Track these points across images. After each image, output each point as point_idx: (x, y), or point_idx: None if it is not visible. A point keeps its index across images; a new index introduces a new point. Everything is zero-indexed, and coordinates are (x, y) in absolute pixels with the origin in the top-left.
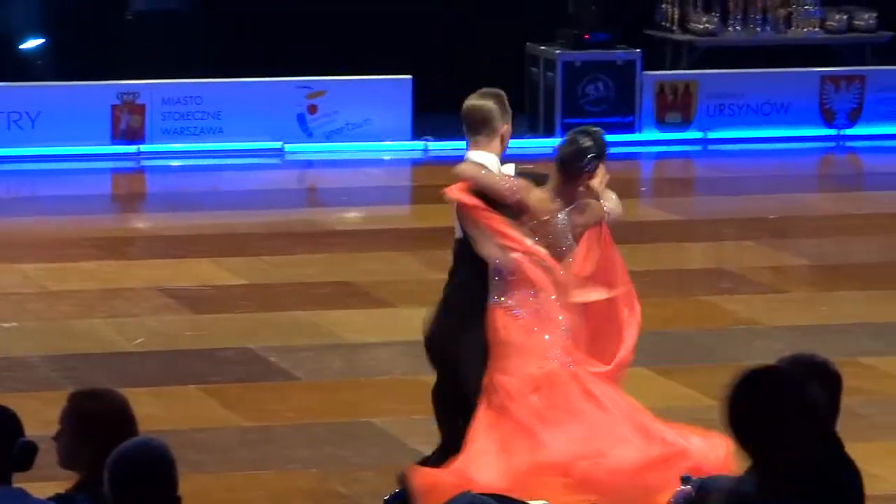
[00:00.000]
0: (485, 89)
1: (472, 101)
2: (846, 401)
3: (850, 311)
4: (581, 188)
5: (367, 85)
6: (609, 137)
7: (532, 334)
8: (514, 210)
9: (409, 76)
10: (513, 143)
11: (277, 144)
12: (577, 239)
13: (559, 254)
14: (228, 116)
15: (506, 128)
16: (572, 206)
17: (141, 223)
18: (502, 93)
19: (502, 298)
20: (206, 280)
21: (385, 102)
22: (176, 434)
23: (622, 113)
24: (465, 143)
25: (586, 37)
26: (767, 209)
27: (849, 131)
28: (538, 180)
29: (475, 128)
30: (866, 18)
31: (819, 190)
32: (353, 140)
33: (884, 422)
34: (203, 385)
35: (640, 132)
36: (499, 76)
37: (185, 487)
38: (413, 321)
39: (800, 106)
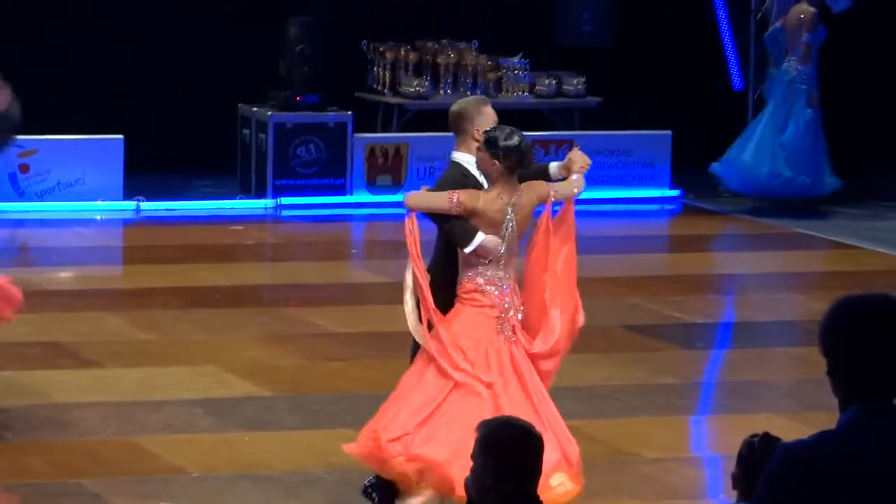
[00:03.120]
0: (472, 96)
1: (454, 106)
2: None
3: (557, 374)
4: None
5: (79, 144)
6: (320, 199)
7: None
8: (467, 217)
9: (120, 136)
10: (223, 204)
11: None
12: (525, 217)
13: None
14: None
15: (479, 130)
16: (517, 195)
17: None
18: (485, 98)
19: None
20: None
21: (97, 162)
22: None
23: (334, 175)
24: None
25: (298, 98)
26: None
27: None
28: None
29: (454, 130)
30: (575, 84)
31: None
32: (65, 199)
33: (587, 486)
34: None
35: (351, 194)
36: (211, 137)
37: None
38: (121, 381)
39: None
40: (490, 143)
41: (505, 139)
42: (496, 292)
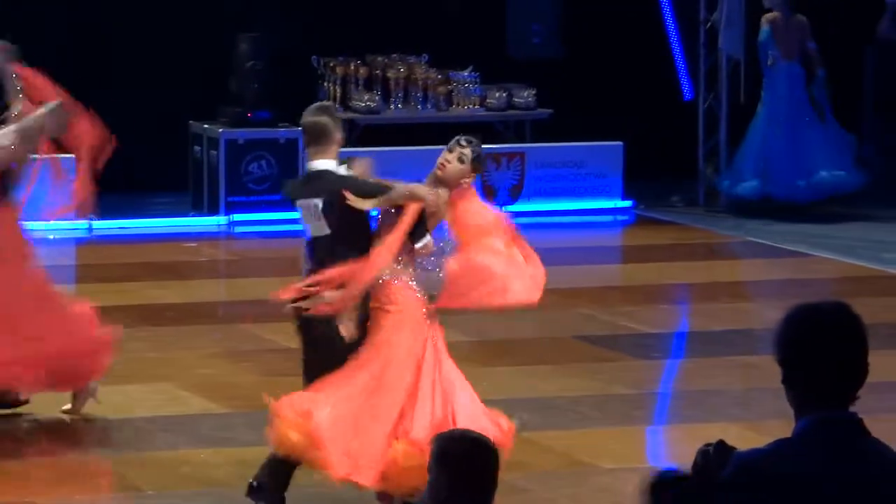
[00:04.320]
0: (317, 104)
1: (310, 117)
2: (506, 477)
3: (510, 386)
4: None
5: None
6: (273, 216)
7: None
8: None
9: (70, 155)
10: (176, 221)
11: None
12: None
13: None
14: None
15: (340, 136)
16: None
17: None
18: (332, 105)
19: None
20: None
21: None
22: None
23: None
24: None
25: (249, 115)
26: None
27: (510, 208)
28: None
29: (316, 140)
30: (525, 96)
31: None
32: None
33: (544, 497)
34: None
35: None
36: (164, 154)
37: None
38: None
39: None
40: (480, 159)
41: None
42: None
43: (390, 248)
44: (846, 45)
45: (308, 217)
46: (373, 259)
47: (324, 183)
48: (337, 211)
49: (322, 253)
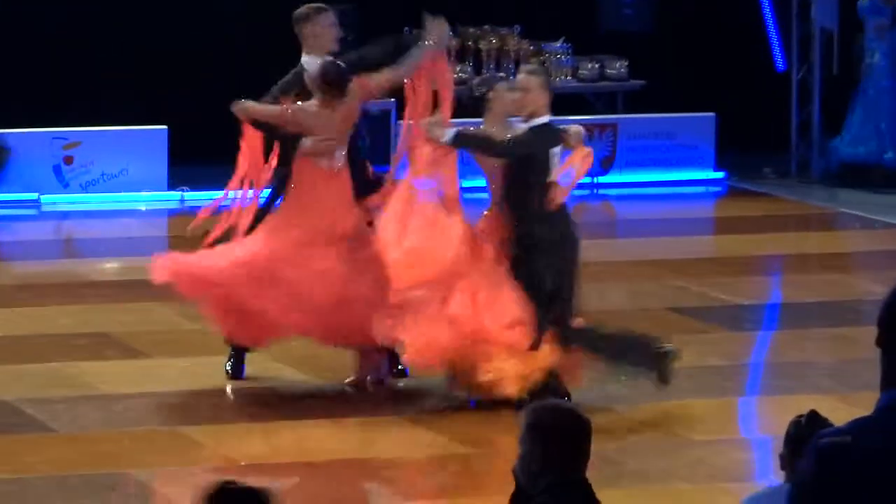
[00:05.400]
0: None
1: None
2: (598, 448)
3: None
4: None
5: (123, 136)
6: None
7: None
8: None
9: (164, 126)
10: (267, 192)
11: (34, 196)
12: None
13: None
14: None
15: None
16: None
17: None
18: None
19: None
20: None
21: (141, 153)
22: None
23: (379, 162)
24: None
25: None
26: None
27: (602, 179)
28: None
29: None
30: (617, 67)
31: None
32: (109, 191)
33: (636, 469)
34: None
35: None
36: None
37: None
38: (168, 371)
39: None
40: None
41: None
42: None
43: None
44: None
45: None
46: None
47: None
48: None
49: None
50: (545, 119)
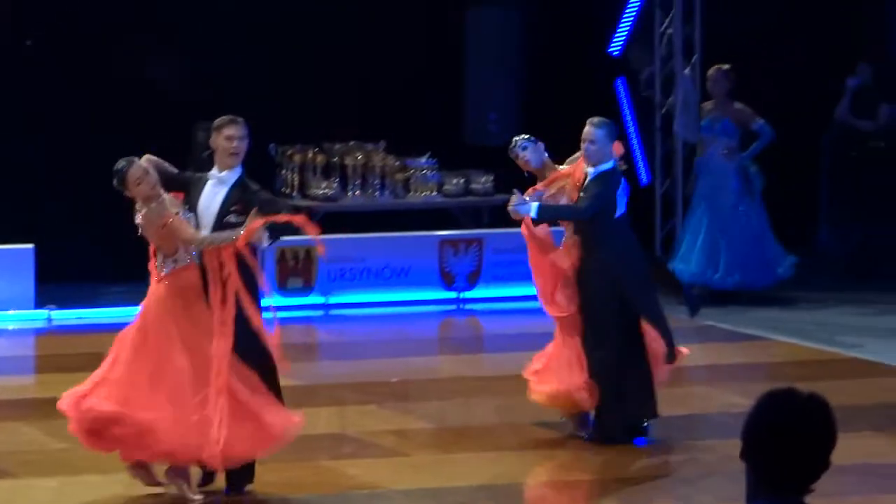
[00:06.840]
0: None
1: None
2: None
3: (471, 473)
4: None
5: None
6: None
7: None
8: None
9: (30, 245)
10: (134, 310)
11: None
12: None
13: None
14: None
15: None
16: None
17: None
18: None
19: None
20: None
21: (7, 272)
22: None
23: None
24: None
25: None
26: (390, 372)
27: (468, 294)
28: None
29: None
30: (482, 182)
31: (440, 353)
32: None
33: None
34: None
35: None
36: (121, 244)
37: None
38: (35, 492)
39: (420, 269)
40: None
41: None
42: None
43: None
44: (804, 130)
45: None
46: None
47: None
48: None
49: None
50: (609, 165)
